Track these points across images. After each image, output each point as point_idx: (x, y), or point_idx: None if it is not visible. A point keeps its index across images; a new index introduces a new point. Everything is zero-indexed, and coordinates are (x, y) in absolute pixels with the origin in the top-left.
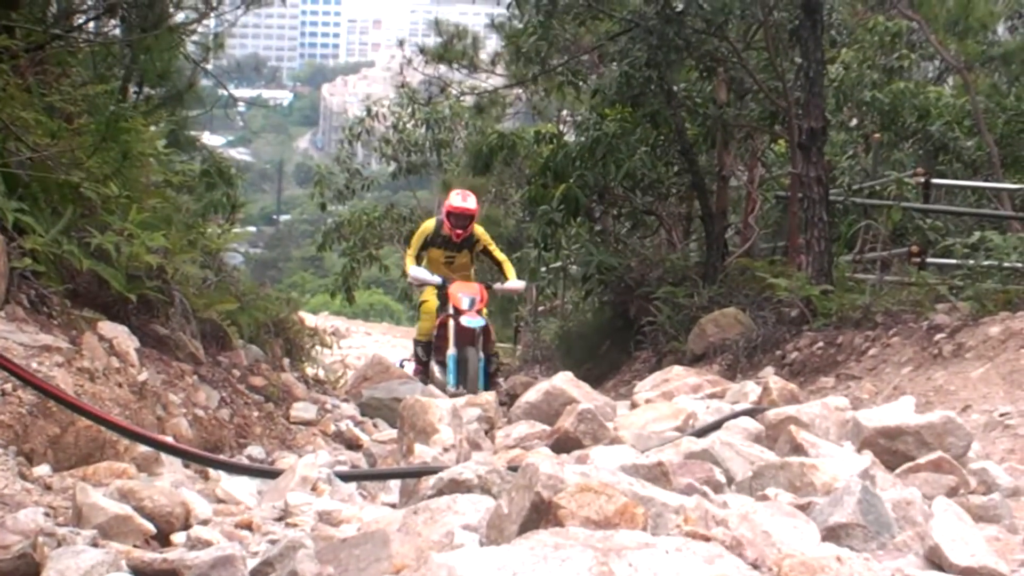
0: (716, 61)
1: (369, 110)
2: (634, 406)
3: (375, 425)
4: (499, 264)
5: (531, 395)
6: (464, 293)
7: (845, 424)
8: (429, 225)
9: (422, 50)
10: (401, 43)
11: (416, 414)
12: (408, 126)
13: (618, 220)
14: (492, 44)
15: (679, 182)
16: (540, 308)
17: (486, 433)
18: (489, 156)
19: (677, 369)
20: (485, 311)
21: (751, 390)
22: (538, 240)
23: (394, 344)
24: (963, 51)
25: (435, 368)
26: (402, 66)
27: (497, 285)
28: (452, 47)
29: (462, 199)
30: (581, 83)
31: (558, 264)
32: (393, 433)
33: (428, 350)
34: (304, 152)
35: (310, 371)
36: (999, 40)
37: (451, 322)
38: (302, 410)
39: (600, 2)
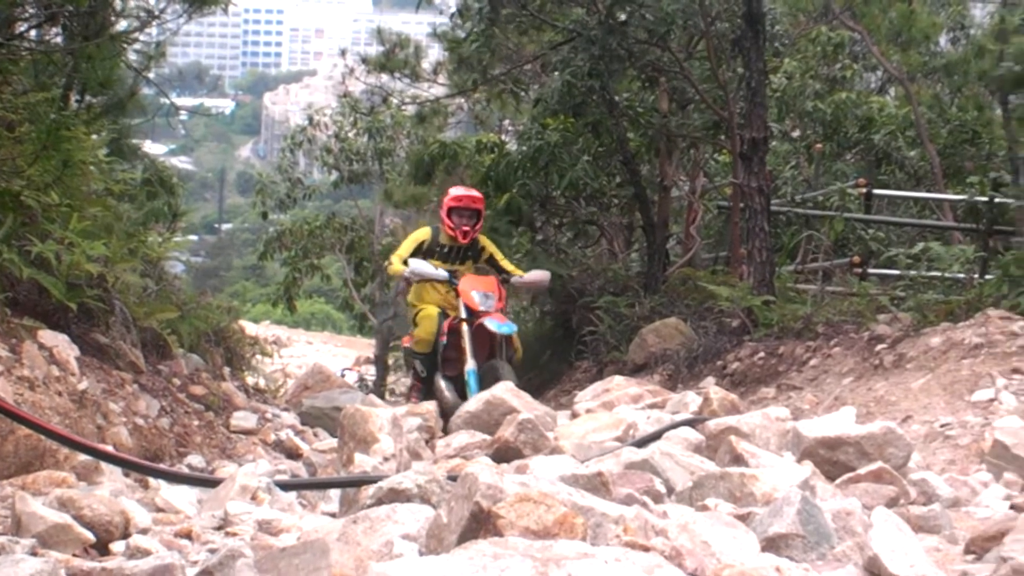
0: (658, 71)
1: (311, 119)
2: (575, 416)
3: (315, 434)
4: (510, 273)
5: (472, 405)
6: (479, 290)
7: (786, 434)
8: (424, 232)
9: (364, 59)
10: (343, 52)
11: (356, 423)
12: (350, 135)
13: (560, 230)
14: (434, 53)
15: (621, 192)
16: None
17: (426, 443)
18: (431, 165)
19: (618, 379)
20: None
21: (692, 400)
22: None
23: (335, 353)
24: (905, 62)
25: (442, 385)
26: (344, 75)
27: (516, 278)
28: (394, 56)
29: (465, 189)
30: (523, 92)
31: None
32: (333, 442)
33: (431, 364)
34: (246, 161)
35: (250, 380)
36: (941, 51)
37: (465, 328)
38: (242, 419)
39: (542, 12)
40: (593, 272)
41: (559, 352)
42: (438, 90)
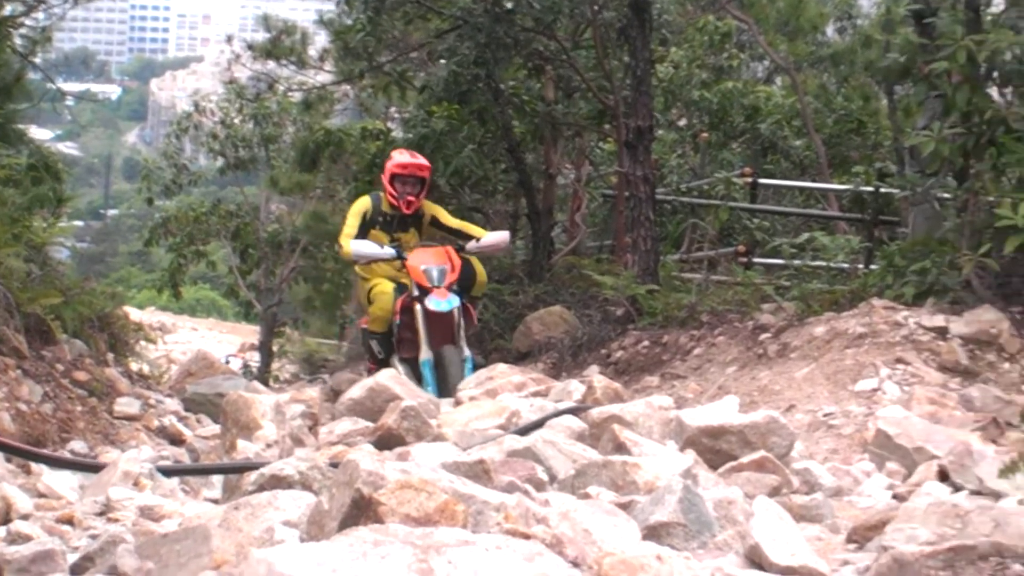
0: (544, 59)
1: (197, 105)
2: (458, 404)
3: (198, 420)
4: (458, 232)
5: (355, 392)
6: (429, 264)
7: (669, 423)
8: (364, 202)
9: (250, 46)
10: (230, 39)
11: (239, 409)
12: (236, 122)
13: None
14: (321, 40)
15: (506, 180)
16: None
17: (309, 429)
18: (316, 152)
19: (501, 367)
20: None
21: (575, 388)
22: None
23: (220, 340)
24: (793, 52)
25: (400, 370)
26: (230, 62)
27: (471, 244)
28: (281, 43)
29: (410, 155)
30: (409, 80)
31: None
32: (216, 429)
33: (387, 345)
34: (132, 147)
35: (134, 366)
36: (828, 41)
37: (418, 308)
38: (126, 405)
39: (429, 0)
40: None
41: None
42: (324, 77)
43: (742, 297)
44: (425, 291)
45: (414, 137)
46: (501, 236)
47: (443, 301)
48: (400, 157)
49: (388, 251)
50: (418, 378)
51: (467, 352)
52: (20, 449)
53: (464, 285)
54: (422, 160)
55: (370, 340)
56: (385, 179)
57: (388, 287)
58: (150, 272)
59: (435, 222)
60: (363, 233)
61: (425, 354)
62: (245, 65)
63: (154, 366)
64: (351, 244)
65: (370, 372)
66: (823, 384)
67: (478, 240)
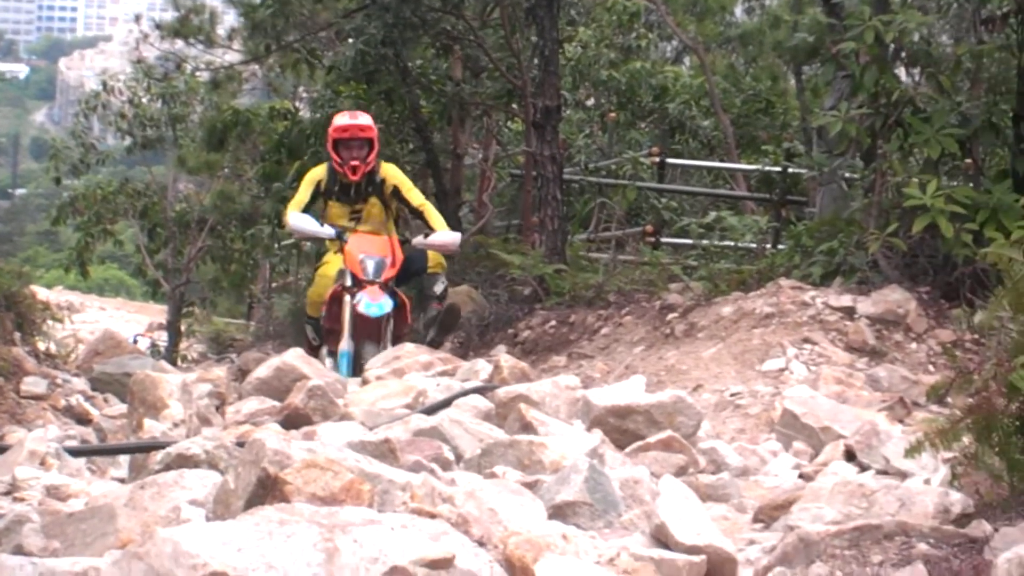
0: (452, 39)
1: (105, 84)
2: (365, 383)
3: (106, 400)
4: (418, 213)
5: (262, 371)
6: (367, 253)
7: (576, 403)
8: (319, 171)
9: (159, 25)
10: (138, 18)
11: (146, 389)
12: (144, 101)
13: None
14: (229, 19)
15: (413, 160)
16: (273, 284)
17: (217, 409)
18: (224, 132)
19: (409, 346)
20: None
21: (482, 368)
22: (272, 216)
23: (128, 319)
24: (701, 32)
25: (326, 360)
26: (138, 41)
27: (418, 239)
28: (189, 22)
29: (350, 116)
30: (317, 60)
31: (291, 240)
32: (124, 408)
33: (319, 330)
34: (41, 126)
35: (41, 345)
36: (737, 21)
37: (347, 299)
38: (32, 384)
39: None
40: None
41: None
42: (232, 56)
43: (649, 277)
44: (359, 283)
45: (321, 117)
46: (452, 237)
47: (374, 304)
48: (340, 120)
49: (327, 230)
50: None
51: (374, 352)
52: None
53: (417, 267)
54: (365, 120)
55: (305, 324)
56: (329, 146)
57: (331, 270)
58: (58, 251)
59: (396, 193)
60: (321, 205)
61: (346, 345)
62: (153, 44)
63: (61, 346)
64: (291, 217)
65: (306, 351)
66: (730, 364)
67: (425, 236)
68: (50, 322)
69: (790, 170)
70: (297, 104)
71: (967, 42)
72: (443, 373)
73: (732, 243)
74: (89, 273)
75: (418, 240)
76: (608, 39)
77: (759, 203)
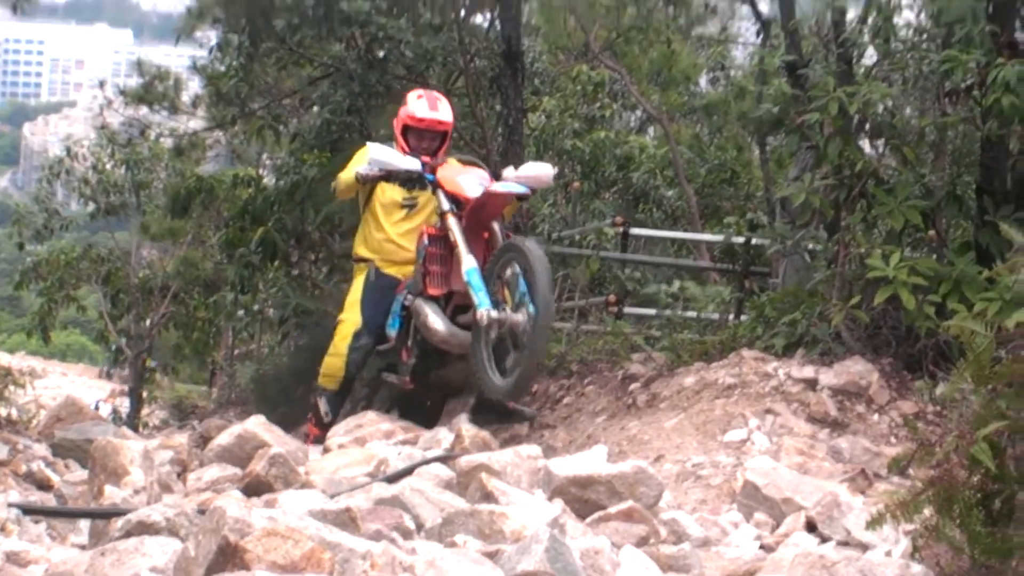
0: None
1: (69, 150)
2: (327, 451)
3: (67, 466)
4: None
5: (224, 438)
6: (468, 176)
7: (537, 472)
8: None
9: (123, 91)
10: (102, 83)
11: (107, 455)
12: (108, 167)
13: (315, 264)
14: (194, 86)
15: None
16: (236, 351)
17: (178, 476)
18: (188, 199)
19: (371, 415)
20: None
21: (444, 437)
22: (235, 283)
23: (90, 385)
24: (665, 101)
25: (427, 311)
26: (103, 107)
27: (508, 170)
28: (153, 88)
29: (429, 105)
30: (281, 127)
31: (255, 307)
32: (85, 474)
33: (337, 405)
34: (4, 191)
35: (2, 411)
36: (702, 92)
37: (452, 221)
38: None
39: (301, 47)
40: None
41: (312, 387)
42: (197, 123)
43: (612, 347)
44: (459, 204)
45: (285, 184)
46: (545, 168)
47: (518, 184)
48: (416, 105)
49: (412, 162)
50: (453, 319)
51: (532, 242)
52: None
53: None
54: (445, 113)
55: (318, 397)
56: (397, 128)
57: (348, 331)
58: (20, 317)
59: None
60: (369, 185)
61: (469, 262)
62: (118, 110)
63: (23, 411)
64: (371, 147)
65: (308, 438)
66: (692, 434)
67: (515, 169)
68: (12, 388)
69: (753, 241)
70: (261, 171)
71: (931, 114)
72: (404, 442)
73: (695, 313)
74: (51, 339)
75: (508, 171)
76: (572, 109)
77: (722, 273)
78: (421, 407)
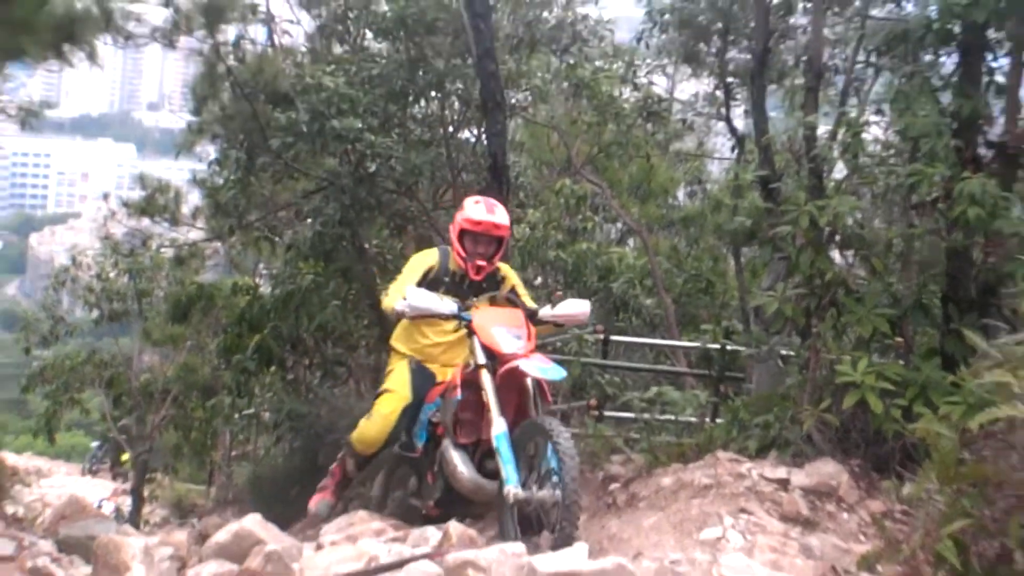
0: (406, 219)
1: (74, 259)
2: (319, 548)
3: (71, 562)
4: (532, 313)
5: (221, 535)
6: (504, 326)
7: (522, 569)
8: (431, 256)
9: (126, 203)
10: (106, 196)
11: (110, 552)
12: (111, 275)
13: (309, 369)
14: (194, 198)
15: (368, 334)
16: (233, 452)
17: (178, 572)
18: (187, 306)
19: (361, 513)
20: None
21: (432, 535)
22: (232, 387)
23: (94, 484)
24: (644, 214)
25: (455, 457)
26: (106, 218)
27: (545, 310)
28: (155, 201)
29: (487, 210)
30: (277, 238)
31: (251, 411)
32: (88, 570)
33: (364, 466)
34: (11, 299)
35: (10, 509)
36: (679, 205)
37: (486, 378)
38: (1, 546)
39: (296, 161)
40: (340, 411)
41: (307, 486)
42: (196, 234)
43: (593, 449)
44: (494, 358)
45: (281, 293)
46: (582, 306)
47: (549, 368)
48: (474, 211)
49: (448, 305)
50: (480, 466)
51: (557, 423)
52: None
53: None
54: (502, 217)
55: (348, 456)
56: (453, 233)
57: (394, 406)
58: (27, 418)
59: (513, 293)
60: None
61: (499, 426)
62: (121, 222)
63: (29, 509)
64: (409, 291)
65: (331, 478)
66: (670, 532)
67: (551, 308)
68: (18, 487)
69: (728, 347)
70: (258, 280)
71: (898, 226)
72: (394, 539)
73: (673, 417)
74: (56, 440)
75: (545, 311)
76: (556, 221)
77: (699, 378)
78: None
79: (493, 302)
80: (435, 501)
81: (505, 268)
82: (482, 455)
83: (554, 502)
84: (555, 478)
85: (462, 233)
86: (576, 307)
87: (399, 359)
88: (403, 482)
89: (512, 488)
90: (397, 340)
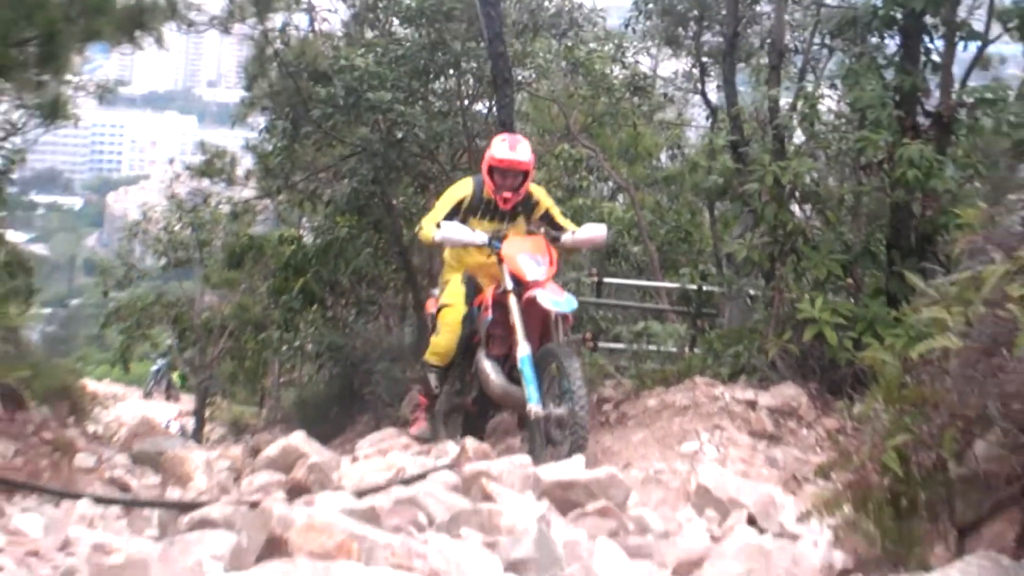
0: (428, 179)
1: (145, 215)
2: (355, 460)
3: (143, 473)
4: (561, 232)
5: (271, 450)
6: (528, 254)
7: (528, 478)
8: (465, 186)
9: (188, 167)
10: (171, 161)
11: (176, 464)
12: (176, 228)
13: (345, 308)
14: (246, 162)
15: (396, 277)
16: (281, 379)
17: (234, 481)
18: (241, 255)
19: (390, 430)
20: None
21: (451, 449)
22: (280, 323)
23: (162, 407)
24: (632, 174)
25: (487, 366)
26: (172, 180)
27: (566, 235)
28: (213, 165)
29: (510, 147)
30: (317, 196)
31: (297, 344)
32: (157, 480)
33: (442, 378)
34: (92, 249)
35: (90, 428)
36: (662, 166)
37: (513, 302)
38: (83, 460)
39: (334, 130)
40: (372, 343)
41: (344, 408)
42: (248, 192)
43: (589, 375)
44: (520, 283)
45: (321, 242)
46: (597, 229)
47: (562, 300)
48: (499, 150)
49: (480, 236)
50: (508, 375)
51: (569, 351)
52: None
53: None
54: (523, 155)
55: (428, 373)
56: (484, 169)
57: (456, 317)
58: (105, 351)
59: (547, 216)
60: (461, 220)
61: (524, 349)
62: (184, 182)
63: (106, 428)
64: (442, 225)
65: (419, 407)
66: (654, 446)
67: (572, 233)
68: (98, 409)
69: (704, 288)
70: (301, 231)
71: (849, 184)
72: (419, 452)
73: (657, 347)
74: (130, 368)
75: (567, 236)
76: (556, 180)
77: (679, 315)
78: (479, 426)
79: (528, 226)
80: (472, 399)
81: (538, 192)
82: (511, 365)
83: (569, 417)
84: (569, 397)
85: (491, 169)
86: (594, 231)
87: (452, 272)
88: (451, 381)
89: (534, 406)
90: (450, 254)
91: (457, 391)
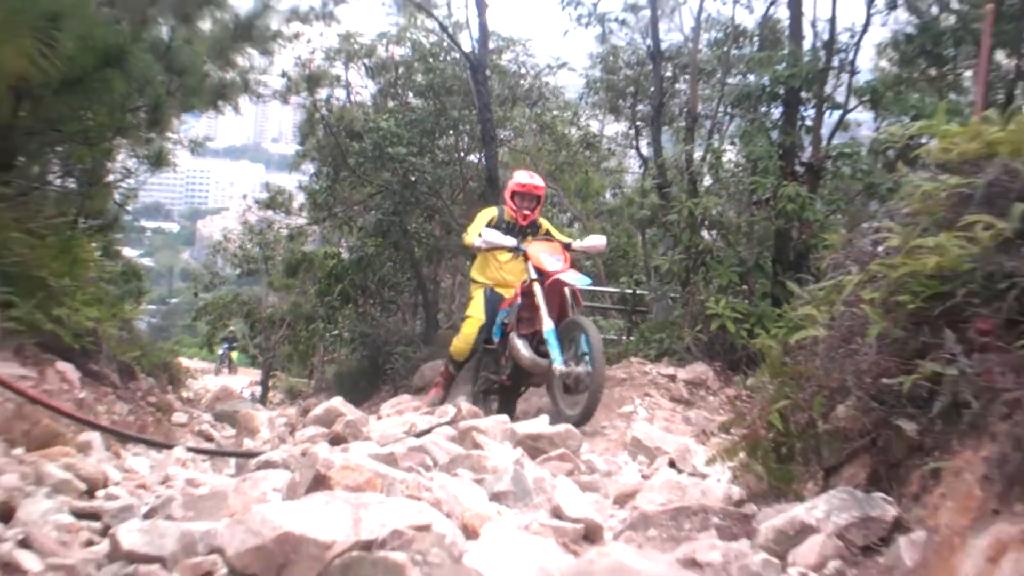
0: (434, 211)
1: (225, 236)
2: (379, 418)
3: (223, 427)
4: (566, 244)
5: (318, 411)
6: (548, 253)
7: (507, 431)
8: (491, 211)
9: (257, 201)
10: (245, 197)
11: (247, 420)
12: (248, 247)
13: (373, 306)
14: (300, 198)
15: (410, 284)
16: (325, 359)
17: (290, 433)
18: (296, 266)
19: (405, 397)
20: None
21: (450, 410)
22: (324, 317)
23: (237, 379)
24: (584, 208)
25: (519, 343)
26: (245, 211)
27: (576, 243)
28: (276, 200)
29: (529, 176)
30: (352, 223)
31: (336, 332)
32: (233, 432)
33: (460, 369)
34: (186, 261)
35: (185, 394)
36: (607, 201)
37: (537, 288)
38: (178, 417)
39: (364, 175)
40: (392, 332)
41: (371, 380)
42: (301, 220)
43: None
44: (542, 274)
45: (355, 257)
46: (599, 240)
47: (578, 278)
48: (520, 177)
49: (510, 240)
50: (536, 349)
51: (587, 320)
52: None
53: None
54: (539, 181)
55: (449, 363)
56: (507, 195)
57: (474, 326)
58: (195, 338)
59: (548, 235)
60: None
61: (548, 324)
62: (254, 213)
63: (196, 394)
64: (483, 231)
65: (443, 376)
66: (601, 409)
67: (580, 242)
68: (190, 380)
69: (637, 292)
70: (340, 249)
71: (744, 216)
72: (427, 413)
73: (602, 336)
74: (214, 350)
75: (576, 243)
76: None
77: (619, 312)
78: (512, 401)
79: (536, 238)
80: (507, 375)
81: (542, 219)
82: (537, 342)
83: (587, 374)
84: (587, 358)
85: (513, 193)
86: (596, 240)
87: (477, 288)
88: (487, 365)
89: (558, 366)
90: (476, 271)
91: (493, 371)
